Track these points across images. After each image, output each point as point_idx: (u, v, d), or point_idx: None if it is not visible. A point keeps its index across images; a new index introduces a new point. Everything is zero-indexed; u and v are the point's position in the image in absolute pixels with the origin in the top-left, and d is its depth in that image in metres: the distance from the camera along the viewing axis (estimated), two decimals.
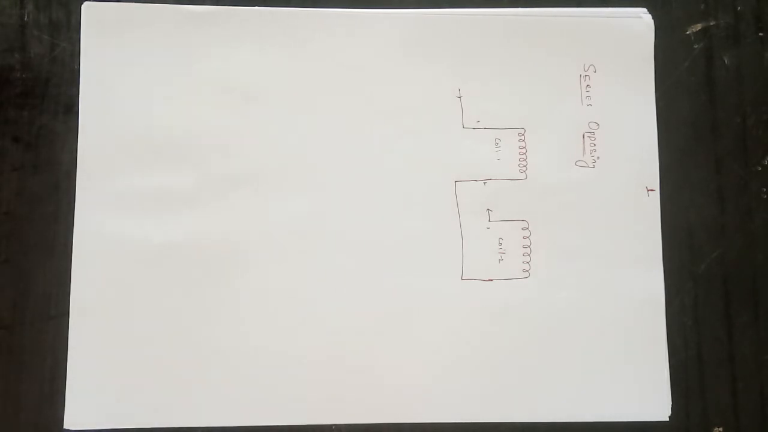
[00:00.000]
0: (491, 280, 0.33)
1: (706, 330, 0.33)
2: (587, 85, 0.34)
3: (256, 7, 0.34)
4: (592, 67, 0.34)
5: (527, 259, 0.33)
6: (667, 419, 0.32)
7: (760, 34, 0.35)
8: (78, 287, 0.32)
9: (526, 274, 0.33)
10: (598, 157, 0.34)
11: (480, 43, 0.34)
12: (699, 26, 0.35)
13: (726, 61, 0.35)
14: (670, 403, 0.32)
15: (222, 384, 0.32)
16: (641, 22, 0.34)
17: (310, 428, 0.32)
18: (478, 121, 0.34)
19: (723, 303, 0.33)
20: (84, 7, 0.33)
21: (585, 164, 0.34)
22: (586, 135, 0.34)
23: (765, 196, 0.34)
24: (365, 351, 0.32)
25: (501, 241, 0.33)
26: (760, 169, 0.34)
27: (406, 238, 0.33)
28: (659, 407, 0.32)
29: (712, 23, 0.35)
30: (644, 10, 0.34)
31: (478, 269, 0.33)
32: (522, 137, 0.34)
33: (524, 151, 0.34)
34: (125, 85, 0.33)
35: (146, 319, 0.32)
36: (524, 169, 0.34)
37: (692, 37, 0.35)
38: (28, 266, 0.32)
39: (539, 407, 0.32)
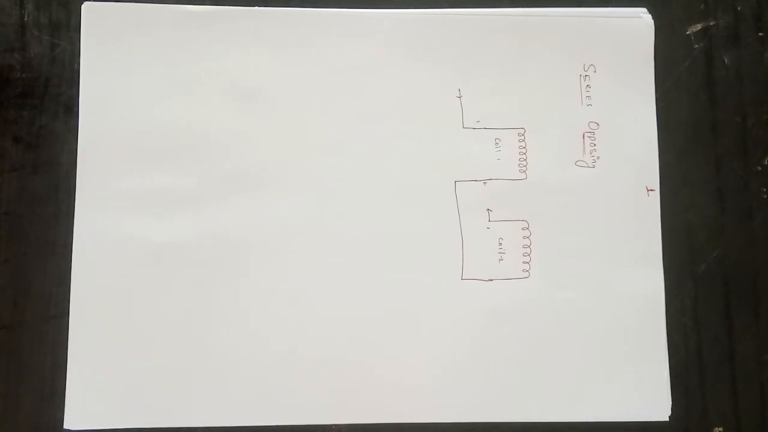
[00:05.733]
0: (491, 280, 0.33)
1: (706, 330, 0.33)
2: (587, 85, 0.34)
3: (256, 7, 0.34)
4: (592, 67, 0.34)
5: (527, 259, 0.33)
6: (667, 419, 0.32)
7: (760, 34, 0.35)
8: (78, 287, 0.32)
9: (526, 274, 0.33)
10: (598, 157, 0.34)
11: (480, 43, 0.34)
12: (699, 26, 0.35)
13: (726, 61, 0.35)
14: (670, 403, 0.32)
15: (222, 384, 0.32)
16: (641, 22, 0.34)
17: (310, 428, 0.32)
18: (478, 121, 0.34)
19: (723, 303, 0.33)
20: (84, 7, 0.33)
21: (585, 164, 0.34)
22: (586, 135, 0.34)
23: (765, 196, 0.34)
24: (365, 351, 0.32)
25: (501, 241, 0.33)
26: (760, 169, 0.34)
27: (406, 237, 0.33)
28: (659, 407, 0.32)
29: (712, 23, 0.35)
30: (644, 10, 0.34)
31: (478, 269, 0.33)
32: (522, 137, 0.34)
33: (524, 151, 0.34)
34: (125, 85, 0.33)
35: (146, 319, 0.32)
36: (524, 169, 0.34)
37: (692, 37, 0.35)
38: (28, 266, 0.32)
39: (539, 407, 0.32)
